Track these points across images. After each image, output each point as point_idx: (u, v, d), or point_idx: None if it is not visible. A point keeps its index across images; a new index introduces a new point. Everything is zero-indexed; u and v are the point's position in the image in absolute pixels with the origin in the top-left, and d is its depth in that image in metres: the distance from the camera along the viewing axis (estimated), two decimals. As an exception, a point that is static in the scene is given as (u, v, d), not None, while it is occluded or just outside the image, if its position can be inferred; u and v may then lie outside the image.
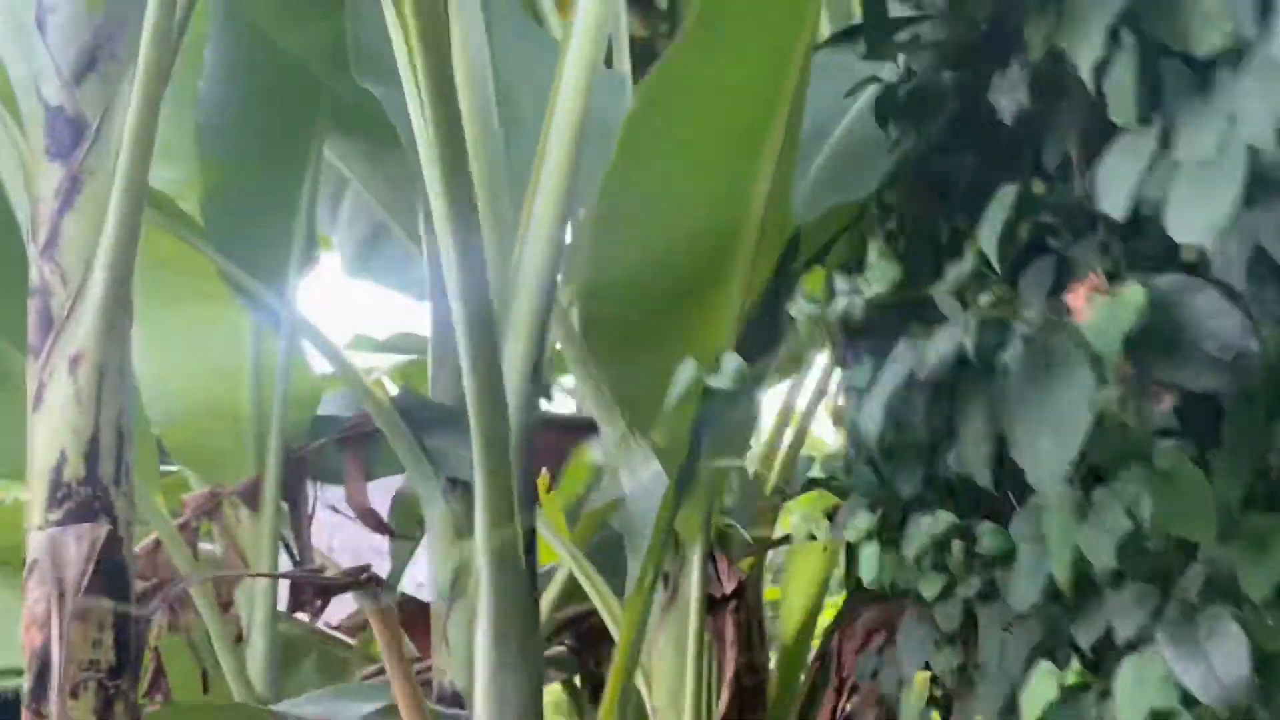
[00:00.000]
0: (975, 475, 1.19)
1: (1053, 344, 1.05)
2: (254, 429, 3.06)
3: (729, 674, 2.34)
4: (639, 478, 2.19)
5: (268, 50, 2.75)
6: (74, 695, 1.75)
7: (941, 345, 1.12)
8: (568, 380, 3.47)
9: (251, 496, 2.98)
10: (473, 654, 2.79)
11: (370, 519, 3.03)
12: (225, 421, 3.06)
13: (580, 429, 3.19)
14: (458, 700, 2.77)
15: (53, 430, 1.85)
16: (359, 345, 4.46)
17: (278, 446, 2.99)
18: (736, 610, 2.37)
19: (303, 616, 3.23)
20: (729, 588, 2.32)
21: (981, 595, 1.35)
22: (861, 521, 1.39)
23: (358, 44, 2.11)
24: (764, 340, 1.79)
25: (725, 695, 2.35)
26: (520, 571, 1.42)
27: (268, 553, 2.93)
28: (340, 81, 2.91)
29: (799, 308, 1.24)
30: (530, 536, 1.86)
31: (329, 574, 3.05)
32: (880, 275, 1.22)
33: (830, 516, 3.07)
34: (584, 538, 2.69)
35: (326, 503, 3.17)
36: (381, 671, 2.90)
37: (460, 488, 2.95)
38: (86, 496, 1.84)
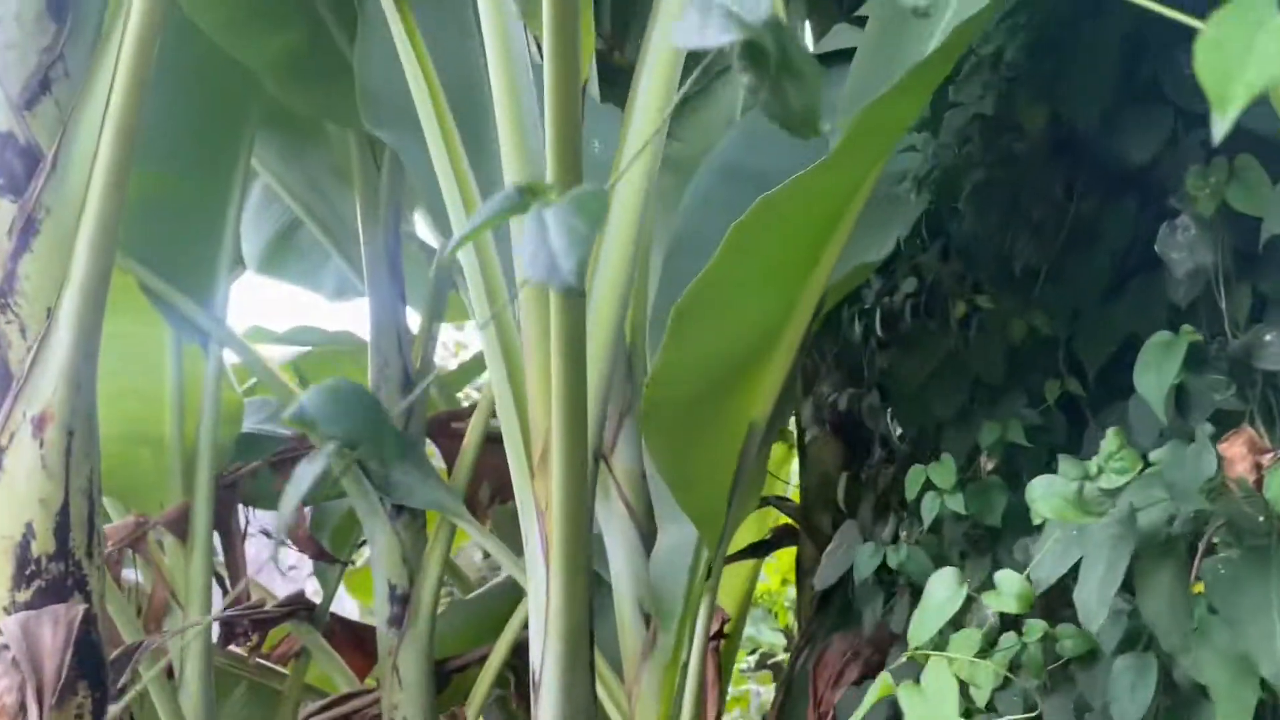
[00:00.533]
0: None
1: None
2: (179, 452, 2.87)
3: (711, 715, 2.34)
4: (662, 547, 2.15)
5: (197, 55, 2.55)
6: (55, 793, 1.61)
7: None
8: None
9: (180, 525, 2.80)
10: (421, 685, 2.75)
11: (310, 547, 2.90)
12: (147, 446, 2.86)
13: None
14: (412, 737, 2.69)
15: (17, 500, 1.68)
16: (257, 338, 4.24)
17: (209, 472, 2.81)
18: (717, 650, 2.37)
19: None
20: (713, 627, 2.31)
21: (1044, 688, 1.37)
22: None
23: (366, 93, 1.95)
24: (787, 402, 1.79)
25: (711, 737, 2.34)
26: (586, 629, 1.37)
27: (200, 585, 2.76)
28: (295, 95, 2.75)
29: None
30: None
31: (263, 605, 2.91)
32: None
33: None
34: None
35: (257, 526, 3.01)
36: (325, 709, 2.79)
37: (406, 514, 2.87)
38: (59, 574, 1.68)
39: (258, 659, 3.03)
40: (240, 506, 2.95)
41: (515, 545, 3.26)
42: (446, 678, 2.89)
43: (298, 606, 2.95)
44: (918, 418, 1.78)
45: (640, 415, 1.45)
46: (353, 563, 3.27)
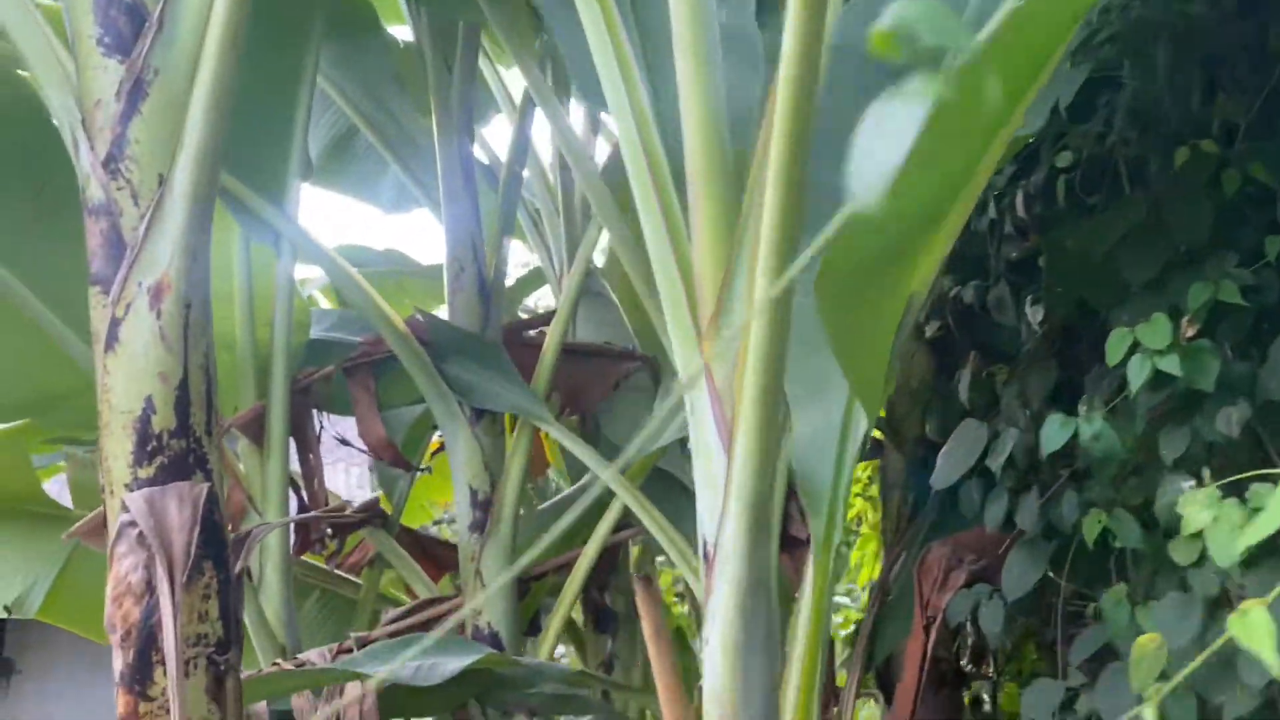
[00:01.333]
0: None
1: None
2: (251, 356, 2.80)
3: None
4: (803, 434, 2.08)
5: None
6: (185, 675, 1.55)
7: None
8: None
9: (255, 429, 2.73)
10: (505, 590, 2.69)
11: (388, 452, 2.83)
12: (221, 348, 2.77)
13: (623, 359, 3.06)
14: (497, 642, 2.65)
15: (135, 374, 1.60)
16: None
17: (284, 375, 2.73)
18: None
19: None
20: (802, 533, 2.25)
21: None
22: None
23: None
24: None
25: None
26: (771, 539, 1.30)
27: (276, 488, 2.70)
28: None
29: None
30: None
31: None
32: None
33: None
34: (636, 474, 2.57)
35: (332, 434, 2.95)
36: (408, 614, 2.75)
37: (486, 419, 2.80)
38: (180, 450, 1.61)
39: (330, 568, 2.98)
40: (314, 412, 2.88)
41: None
42: (524, 586, 2.85)
43: (374, 513, 2.89)
44: (1067, 299, 1.70)
45: (818, 276, 1.36)
46: (427, 469, 3.21)
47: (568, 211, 3.57)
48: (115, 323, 1.61)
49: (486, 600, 2.66)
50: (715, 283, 1.31)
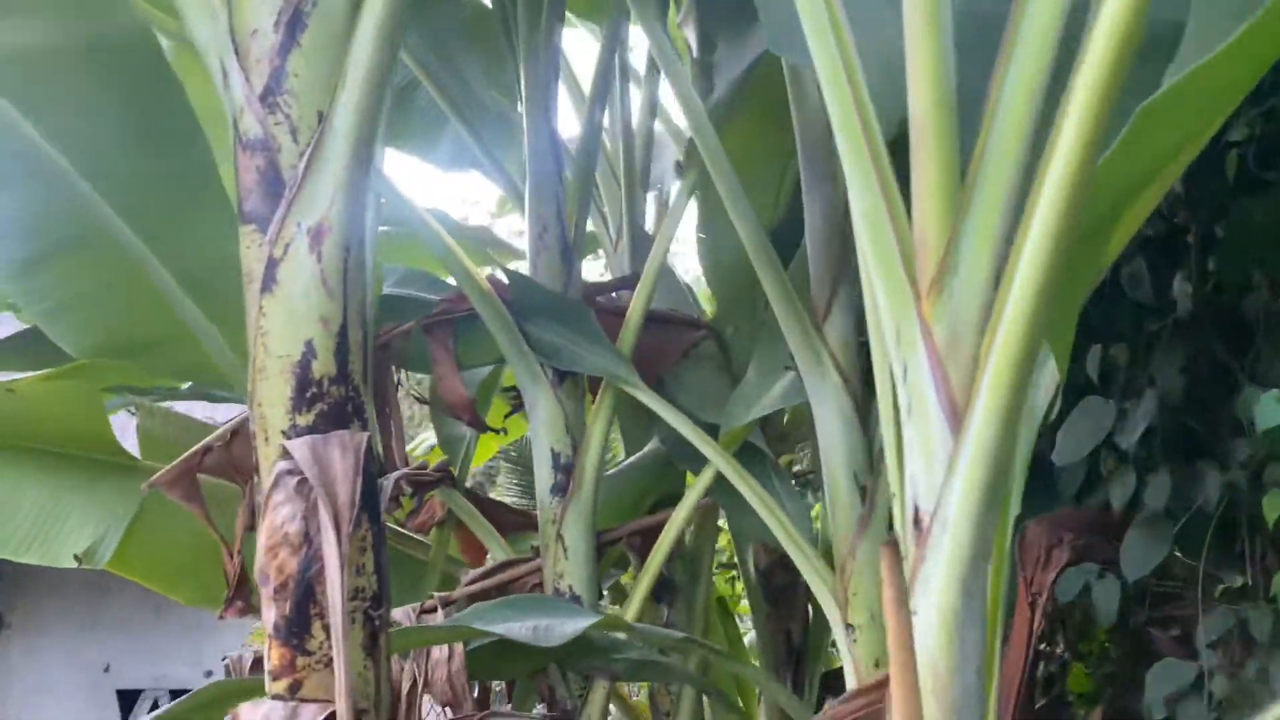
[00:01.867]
0: None
1: None
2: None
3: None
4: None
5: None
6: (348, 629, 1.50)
7: None
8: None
9: (335, 384, 2.67)
10: (586, 554, 2.66)
11: (467, 412, 2.78)
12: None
13: (692, 327, 3.02)
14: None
15: (294, 318, 1.54)
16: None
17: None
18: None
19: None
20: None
21: None
22: None
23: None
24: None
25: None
26: (1002, 508, 1.26)
27: (357, 447, 2.64)
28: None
29: None
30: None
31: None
32: None
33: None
34: (729, 445, 2.54)
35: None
36: (487, 575, 2.72)
37: (569, 381, 2.75)
38: (340, 398, 1.55)
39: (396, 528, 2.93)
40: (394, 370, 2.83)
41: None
42: (599, 549, 2.81)
43: (447, 473, 2.85)
44: (1239, 273, 1.68)
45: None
46: (502, 430, 3.16)
47: (629, 178, 3.52)
48: (273, 263, 1.55)
49: (569, 564, 2.63)
50: (940, 243, 1.27)
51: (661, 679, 2.87)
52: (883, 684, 2.15)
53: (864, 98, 1.34)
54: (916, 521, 1.28)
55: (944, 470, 1.25)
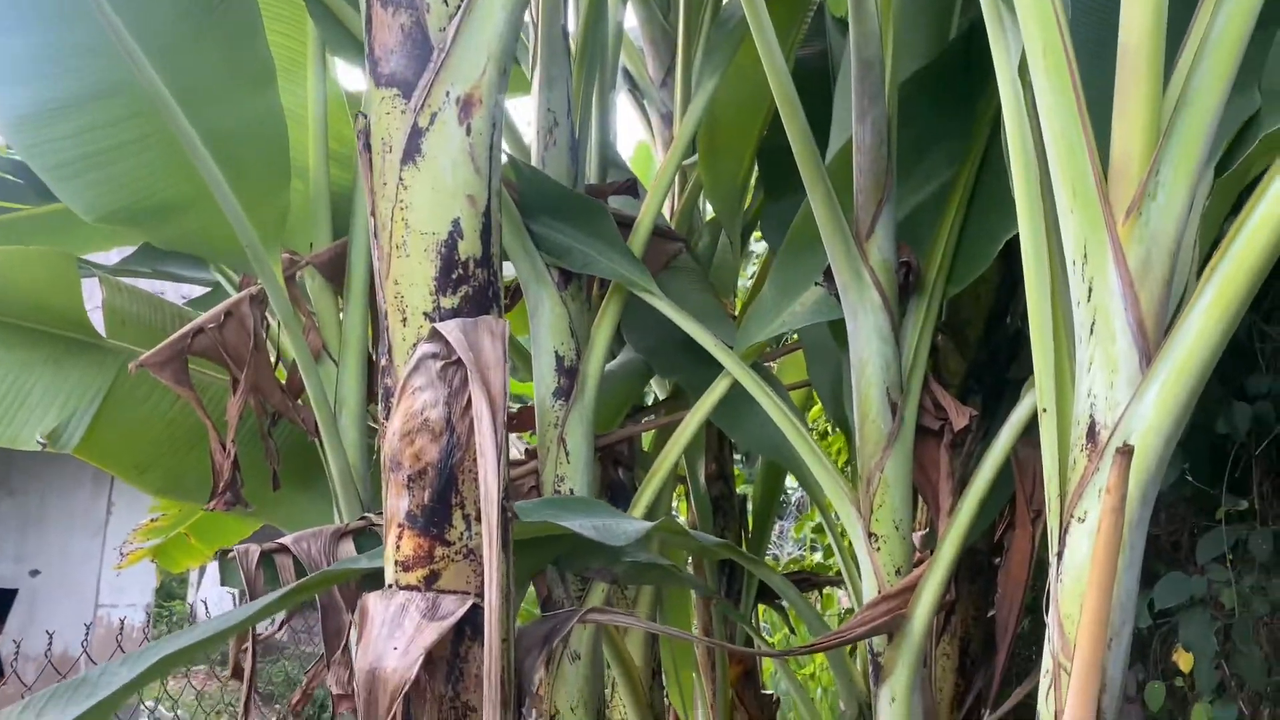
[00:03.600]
0: None
1: None
2: (325, 185, 2.56)
3: (945, 506, 2.37)
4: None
5: None
6: (478, 519, 1.45)
7: None
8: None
9: (334, 270, 2.53)
10: (587, 457, 2.64)
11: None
12: (297, 177, 2.53)
13: (671, 238, 2.99)
14: (580, 510, 2.60)
15: (440, 193, 1.44)
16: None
17: (366, 211, 2.51)
18: (950, 445, 2.38)
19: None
20: (958, 422, 2.32)
21: None
22: None
23: None
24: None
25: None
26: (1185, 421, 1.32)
27: (358, 338, 2.52)
28: None
29: None
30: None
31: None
32: None
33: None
34: (747, 359, 2.55)
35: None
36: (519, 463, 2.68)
37: (574, 284, 2.69)
38: (484, 281, 1.47)
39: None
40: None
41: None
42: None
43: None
44: None
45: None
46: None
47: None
48: (417, 132, 1.44)
49: (570, 467, 2.61)
50: (1141, 167, 1.31)
51: (661, 583, 2.91)
52: (906, 590, 2.26)
53: (1065, 26, 1.36)
54: (1091, 435, 1.35)
55: (1128, 388, 1.31)
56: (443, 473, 1.43)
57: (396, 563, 1.46)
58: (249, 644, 2.28)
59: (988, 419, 2.86)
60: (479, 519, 1.44)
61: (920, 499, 2.75)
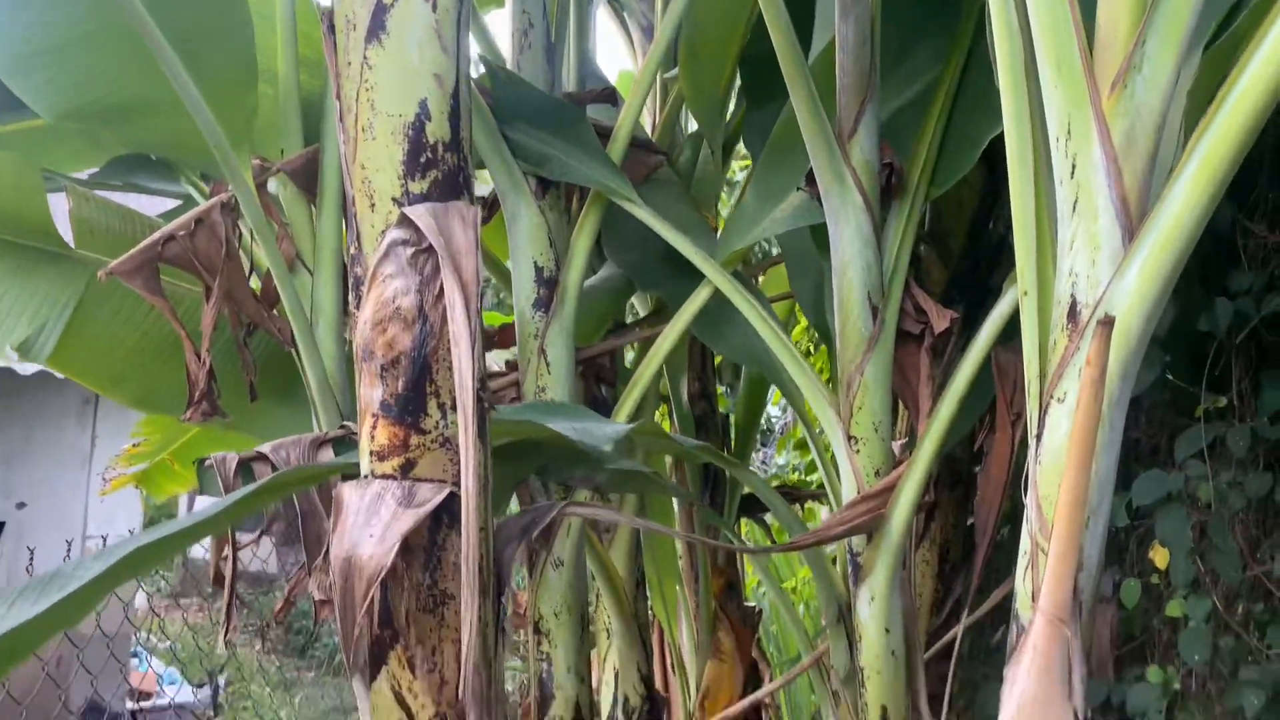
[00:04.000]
0: None
1: None
2: (296, 91, 2.50)
3: (925, 409, 2.36)
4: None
5: None
6: (454, 408, 1.43)
7: None
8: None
9: (307, 177, 2.48)
10: (569, 368, 2.62)
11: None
12: (266, 81, 2.46)
13: (652, 151, 2.94)
14: (561, 420, 2.60)
15: (407, 72, 1.40)
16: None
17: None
18: (932, 350, 2.37)
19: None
20: (939, 325, 2.30)
21: None
22: None
23: None
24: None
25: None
26: (1167, 298, 1.29)
27: (332, 247, 2.47)
28: None
29: None
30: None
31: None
32: None
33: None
34: (727, 266, 2.53)
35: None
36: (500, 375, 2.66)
37: (552, 192, 2.65)
38: (453, 166, 1.43)
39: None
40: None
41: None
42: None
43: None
44: None
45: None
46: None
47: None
48: (382, 9, 1.40)
49: (551, 378, 2.59)
50: (1127, 40, 1.28)
51: (643, 490, 2.91)
52: (885, 491, 2.27)
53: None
54: (1073, 314, 1.33)
55: (1111, 265, 1.29)
56: (416, 361, 1.41)
57: (371, 453, 1.44)
58: (229, 551, 2.27)
59: (969, 328, 2.85)
60: (454, 408, 1.43)
61: (900, 404, 2.75)
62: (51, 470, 9.22)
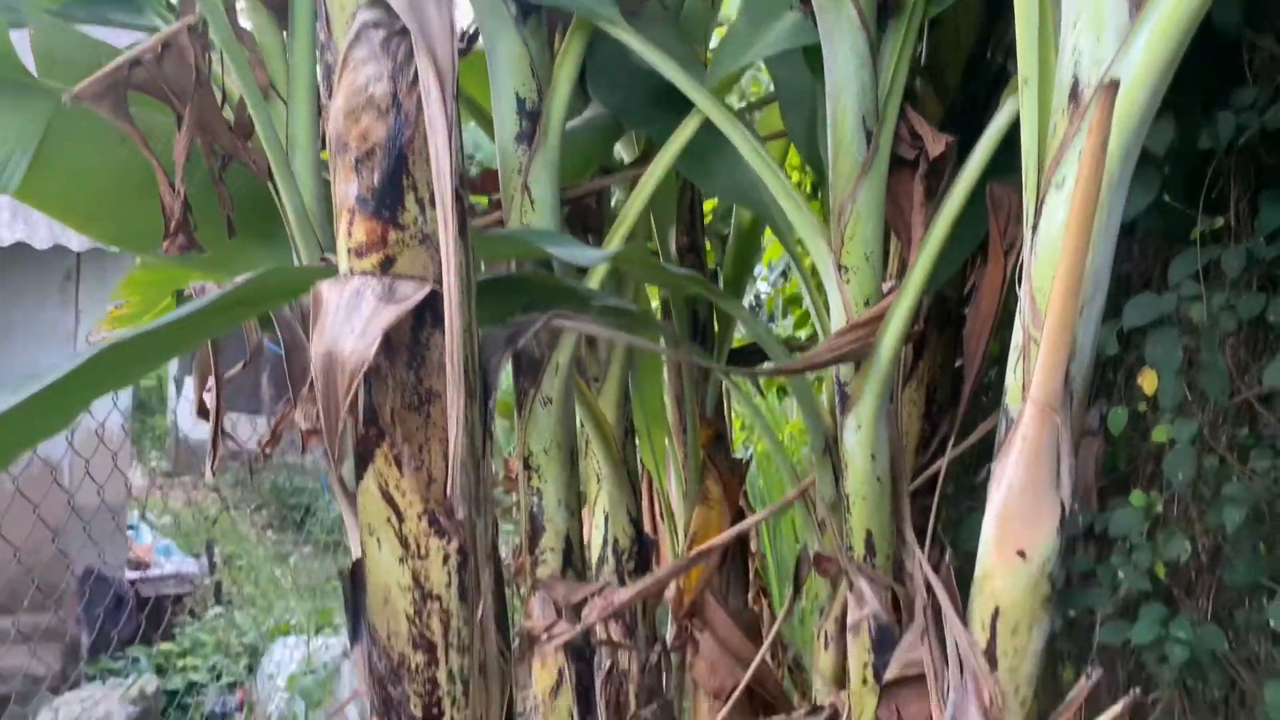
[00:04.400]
0: None
1: None
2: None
3: (917, 237, 2.32)
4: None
5: None
6: (433, 204, 1.39)
7: None
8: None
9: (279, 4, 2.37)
10: (554, 206, 2.57)
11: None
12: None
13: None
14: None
15: None
16: None
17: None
18: (927, 176, 2.31)
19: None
20: (935, 149, 2.24)
21: None
22: None
23: None
24: None
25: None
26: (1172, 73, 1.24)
27: (305, 75, 2.37)
28: None
29: None
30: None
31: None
32: None
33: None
34: (718, 94, 2.45)
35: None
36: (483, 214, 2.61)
37: (534, 18, 2.55)
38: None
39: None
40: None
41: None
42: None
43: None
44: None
45: None
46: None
47: None
48: None
49: (536, 215, 2.53)
50: None
51: (630, 329, 2.89)
52: (874, 320, 2.24)
53: None
54: (1074, 95, 1.28)
55: (1115, 42, 1.24)
56: (391, 152, 1.36)
57: (349, 250, 1.40)
58: (213, 383, 2.25)
59: (963, 163, 2.79)
60: (433, 204, 1.38)
61: (892, 242, 2.71)
62: (35, 351, 9.14)
